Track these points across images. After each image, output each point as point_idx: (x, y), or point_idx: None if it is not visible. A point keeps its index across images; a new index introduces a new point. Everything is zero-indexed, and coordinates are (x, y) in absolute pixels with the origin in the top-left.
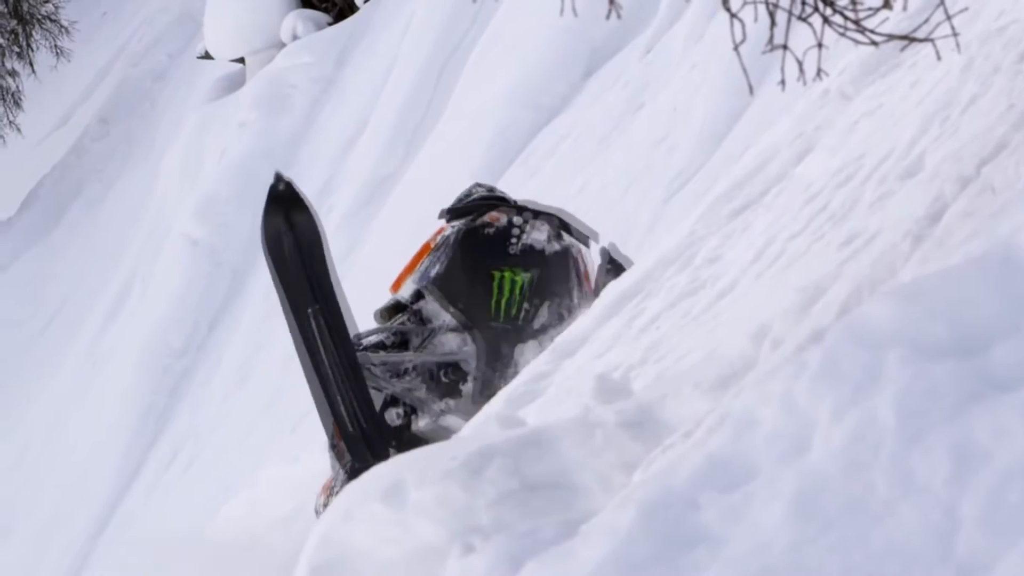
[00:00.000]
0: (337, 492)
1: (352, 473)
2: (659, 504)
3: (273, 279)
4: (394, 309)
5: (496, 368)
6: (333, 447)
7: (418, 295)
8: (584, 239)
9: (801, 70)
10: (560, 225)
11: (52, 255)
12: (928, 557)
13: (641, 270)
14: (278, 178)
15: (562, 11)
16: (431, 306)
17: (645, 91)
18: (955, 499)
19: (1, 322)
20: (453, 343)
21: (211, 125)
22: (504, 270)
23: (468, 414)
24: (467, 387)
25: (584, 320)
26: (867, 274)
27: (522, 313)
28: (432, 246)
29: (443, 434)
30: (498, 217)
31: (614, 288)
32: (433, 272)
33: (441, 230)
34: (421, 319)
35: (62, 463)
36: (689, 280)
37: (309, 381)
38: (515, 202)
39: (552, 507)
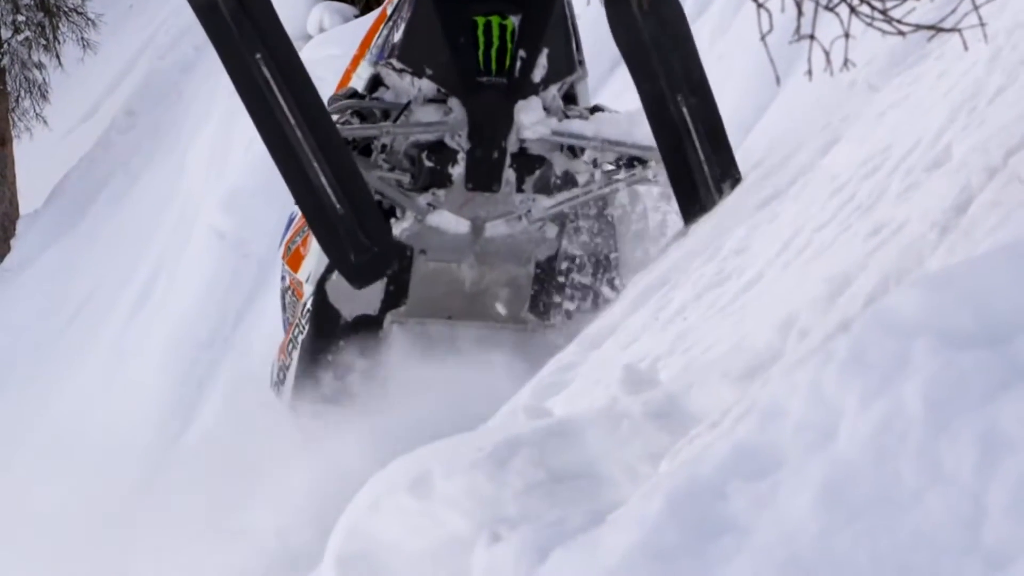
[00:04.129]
0: (301, 332)
1: (362, 275)
2: (686, 493)
3: (203, 25)
4: (348, 100)
5: (494, 137)
6: (283, 294)
7: (376, 81)
8: None
9: (828, 60)
10: None
11: (79, 247)
12: (955, 546)
13: (668, 261)
14: None
15: (588, 2)
16: (396, 88)
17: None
18: (982, 488)
19: (28, 314)
20: (432, 116)
21: (238, 117)
22: (489, 15)
23: (461, 207)
24: (457, 170)
25: (611, 311)
26: (894, 264)
27: (517, 62)
28: (387, 12)
29: (432, 237)
30: None
31: (640, 279)
32: (395, 39)
33: None
34: (386, 107)
35: (88, 455)
36: (716, 271)
37: (271, 151)
38: None
39: (579, 497)
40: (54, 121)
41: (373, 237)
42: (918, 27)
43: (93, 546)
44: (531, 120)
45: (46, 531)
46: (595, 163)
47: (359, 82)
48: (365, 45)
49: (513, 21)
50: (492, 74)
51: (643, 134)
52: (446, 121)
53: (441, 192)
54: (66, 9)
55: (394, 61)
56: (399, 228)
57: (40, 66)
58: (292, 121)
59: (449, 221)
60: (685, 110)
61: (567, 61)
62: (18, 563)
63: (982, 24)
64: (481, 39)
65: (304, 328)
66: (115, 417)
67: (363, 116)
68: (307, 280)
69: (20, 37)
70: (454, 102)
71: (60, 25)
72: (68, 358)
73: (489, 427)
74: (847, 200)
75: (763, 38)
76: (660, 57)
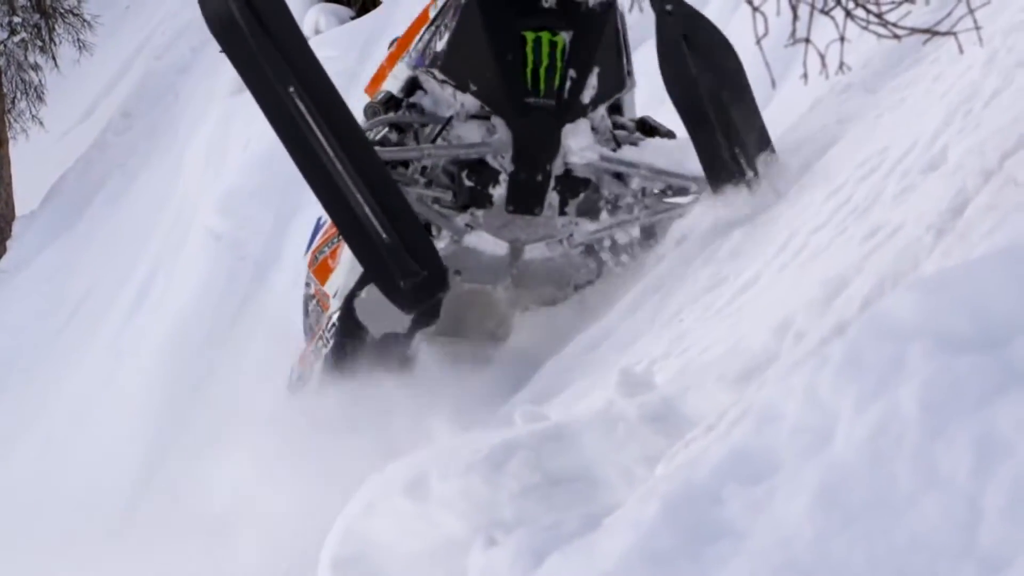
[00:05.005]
0: (325, 344)
1: (412, 299)
2: (682, 497)
3: (229, 56)
4: (385, 106)
5: (539, 160)
6: (307, 301)
7: (413, 84)
8: None
9: (824, 64)
10: None
11: (75, 249)
12: (952, 549)
13: (664, 264)
14: None
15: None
16: (434, 95)
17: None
18: (978, 491)
19: (24, 315)
20: (475, 134)
21: (234, 118)
22: (539, 30)
23: (500, 228)
24: (498, 191)
25: (608, 314)
26: (890, 267)
27: (567, 83)
28: (431, 15)
29: (468, 258)
30: None
31: (637, 282)
32: (437, 46)
33: None
34: (423, 115)
35: (84, 456)
36: (712, 273)
37: (312, 185)
38: None
39: (575, 500)
40: (50, 122)
41: (422, 261)
42: (913, 30)
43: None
44: (579, 145)
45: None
46: (643, 191)
47: (395, 83)
48: (403, 45)
49: (564, 38)
50: (540, 95)
51: (694, 164)
52: (490, 142)
53: (480, 212)
54: (62, 11)
55: (436, 71)
56: (436, 247)
57: (36, 68)
58: (331, 153)
59: (487, 242)
60: (743, 162)
61: (617, 78)
62: (13, 559)
63: (977, 27)
64: (530, 56)
65: (328, 342)
66: (112, 418)
67: (402, 129)
68: (335, 295)
69: (16, 39)
70: (498, 121)
71: (56, 27)
72: (65, 359)
73: (485, 430)
74: (843, 203)
75: (758, 42)
76: (718, 114)
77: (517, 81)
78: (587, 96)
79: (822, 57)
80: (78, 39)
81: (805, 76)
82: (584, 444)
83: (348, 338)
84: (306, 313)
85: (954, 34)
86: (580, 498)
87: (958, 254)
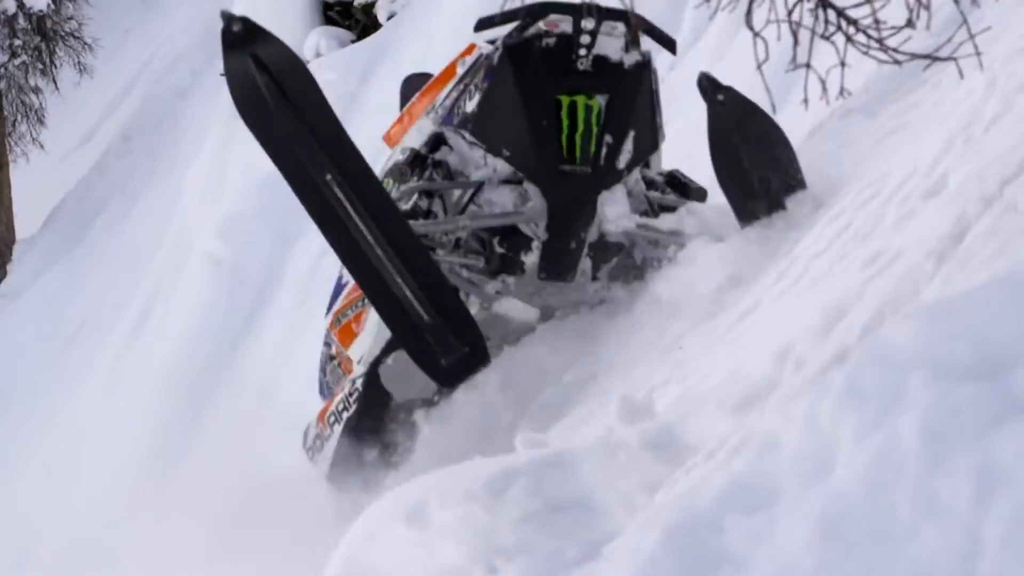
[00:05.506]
0: (347, 408)
1: (454, 376)
2: (682, 526)
3: (266, 149)
4: (411, 166)
5: (574, 228)
6: (327, 360)
7: (438, 140)
8: (670, 44)
9: (824, 89)
10: (639, 27)
11: (75, 272)
12: None
13: (665, 291)
14: (228, 19)
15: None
16: (461, 153)
17: (669, 108)
18: (979, 521)
19: (25, 339)
20: (507, 200)
21: (234, 142)
22: (574, 94)
23: (531, 295)
24: (530, 258)
25: (608, 341)
26: (890, 294)
27: (604, 149)
28: (458, 70)
29: (498, 325)
30: (556, 23)
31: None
32: (468, 107)
33: (469, 49)
34: (449, 173)
35: (84, 480)
36: (712, 299)
37: (354, 274)
38: (574, 4)
39: (575, 528)
40: (51, 145)
41: (463, 338)
42: (914, 56)
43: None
44: (616, 213)
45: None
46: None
47: (419, 137)
48: (426, 99)
49: (600, 101)
50: (577, 162)
51: (731, 228)
52: (524, 211)
53: (511, 279)
54: (63, 33)
55: (467, 134)
56: None
57: (37, 90)
58: (371, 239)
59: (517, 310)
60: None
61: (652, 138)
62: None
63: (978, 53)
64: (565, 121)
65: (351, 407)
66: (112, 442)
67: (431, 192)
68: (359, 360)
69: (17, 61)
70: (532, 188)
71: (57, 49)
72: (65, 383)
73: (485, 457)
74: (843, 228)
75: (759, 67)
76: (772, 206)
77: (553, 147)
78: (623, 161)
79: (823, 82)
80: (79, 62)
81: (806, 101)
82: (584, 471)
83: (372, 405)
84: (324, 372)
85: (955, 60)
86: (580, 525)
87: (959, 281)
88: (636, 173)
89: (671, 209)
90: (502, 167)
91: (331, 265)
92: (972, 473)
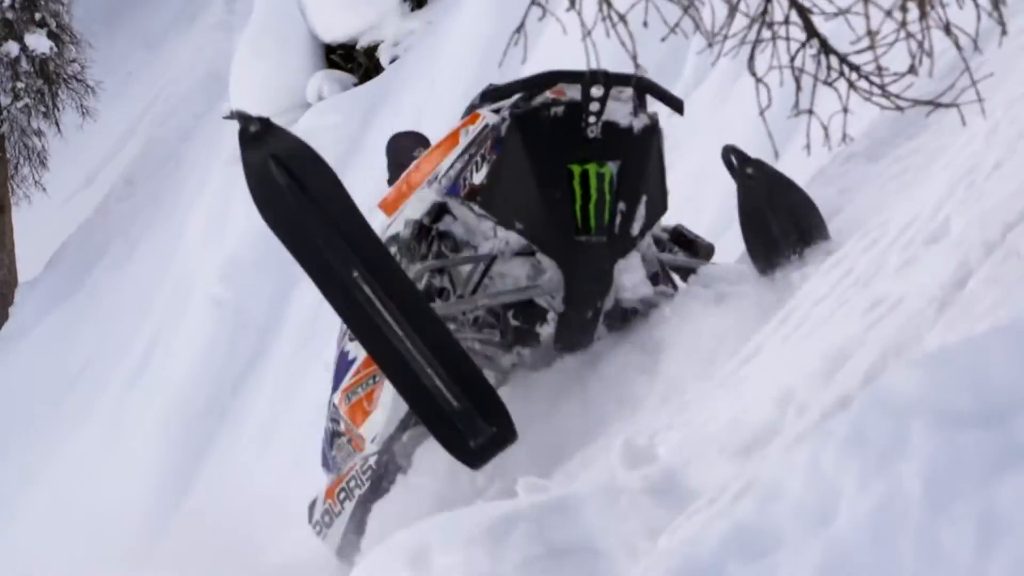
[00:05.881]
0: (359, 486)
1: (483, 457)
2: (685, 573)
3: (290, 249)
4: (418, 238)
5: (591, 300)
6: (335, 436)
7: (441, 210)
8: (678, 105)
9: (827, 135)
10: (646, 90)
11: (77, 315)
12: None
13: (666, 335)
14: (244, 119)
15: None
16: (466, 222)
17: (671, 152)
18: (981, 569)
19: (26, 382)
20: (520, 272)
21: (236, 185)
22: (585, 162)
23: (547, 366)
24: (546, 329)
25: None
26: (892, 340)
27: (618, 217)
28: (461, 140)
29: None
30: (563, 91)
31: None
32: (475, 178)
33: (473, 118)
34: (456, 244)
35: (86, 524)
36: (714, 344)
37: (382, 366)
38: (581, 71)
39: (577, 573)
40: (53, 188)
41: (492, 419)
42: (916, 102)
43: None
44: (632, 281)
45: None
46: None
47: (420, 207)
48: (426, 167)
49: (611, 168)
50: (591, 232)
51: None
52: (539, 284)
53: (527, 351)
54: (66, 76)
55: (475, 207)
56: None
57: (39, 133)
58: (400, 332)
59: (535, 379)
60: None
61: (662, 201)
62: None
63: (980, 99)
64: (578, 191)
65: (364, 485)
66: (112, 486)
67: (442, 268)
68: (372, 439)
69: (20, 104)
70: (547, 260)
71: (60, 92)
72: (66, 426)
73: (487, 502)
74: (845, 274)
75: (762, 113)
76: (793, 254)
77: (567, 219)
78: (636, 227)
79: (825, 128)
80: (81, 105)
81: (808, 147)
82: (586, 516)
83: (386, 482)
84: (330, 446)
85: (957, 106)
86: (582, 571)
87: (961, 328)
88: (648, 237)
89: (686, 270)
90: (514, 239)
91: (332, 311)
92: (975, 521)
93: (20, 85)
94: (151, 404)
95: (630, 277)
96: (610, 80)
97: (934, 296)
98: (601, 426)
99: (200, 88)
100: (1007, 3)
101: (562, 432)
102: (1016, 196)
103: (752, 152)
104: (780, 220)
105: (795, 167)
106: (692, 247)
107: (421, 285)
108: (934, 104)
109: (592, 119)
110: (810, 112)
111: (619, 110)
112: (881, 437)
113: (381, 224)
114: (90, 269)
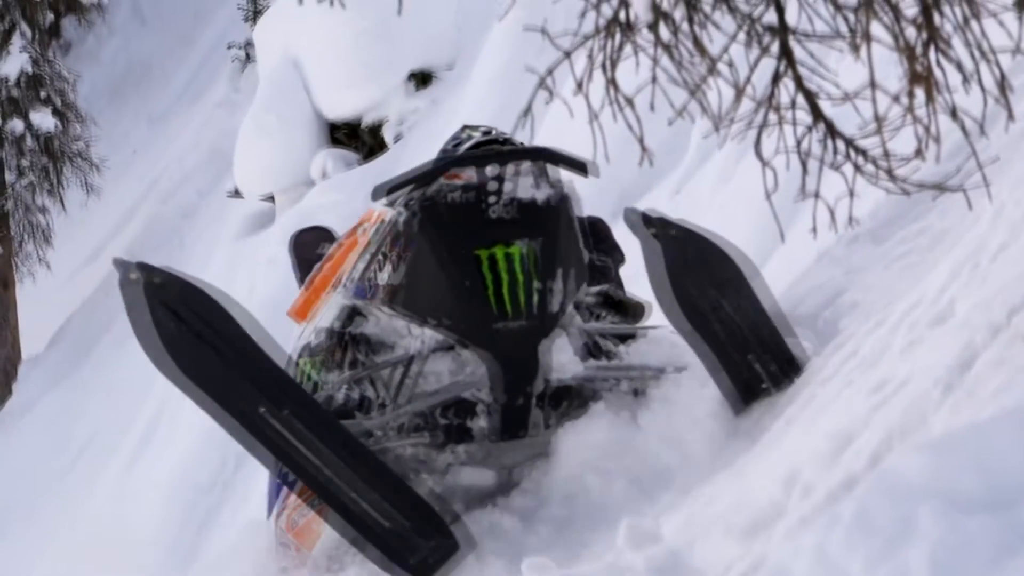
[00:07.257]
0: None
1: (426, 570)
2: None
3: (189, 395)
4: (332, 344)
5: (518, 386)
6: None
7: (352, 313)
8: (581, 167)
9: (833, 219)
10: (547, 159)
11: (80, 392)
12: None
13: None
14: (124, 267)
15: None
16: (379, 322)
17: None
18: None
19: (29, 458)
20: (442, 368)
21: (240, 262)
22: (492, 246)
23: (484, 458)
24: (477, 423)
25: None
26: (897, 422)
27: (534, 296)
28: (360, 240)
29: (461, 495)
30: (458, 175)
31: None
32: (380, 278)
33: (369, 216)
34: (370, 347)
35: None
36: (720, 424)
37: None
38: (474, 155)
39: None
40: (57, 264)
41: (429, 533)
42: (922, 187)
43: None
44: (559, 361)
45: None
46: (636, 392)
47: (329, 314)
48: (329, 273)
49: (520, 247)
50: (509, 316)
51: (683, 351)
52: (463, 381)
53: (461, 448)
54: (70, 154)
55: (386, 308)
56: (422, 490)
57: (44, 210)
58: (317, 461)
59: (472, 476)
60: (760, 369)
61: (581, 269)
62: None
63: (987, 184)
64: (488, 277)
65: None
66: (115, 560)
67: (360, 378)
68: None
69: (24, 181)
70: (467, 353)
71: (64, 170)
72: (69, 502)
73: None
74: (850, 355)
75: (768, 197)
76: (726, 331)
77: (481, 307)
78: (556, 304)
79: (831, 212)
80: (86, 182)
81: (814, 231)
82: None
83: None
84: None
85: (963, 191)
86: None
87: (966, 411)
88: (571, 309)
89: (625, 337)
90: (430, 336)
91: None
92: None
93: (25, 162)
94: (154, 479)
95: (556, 357)
96: (504, 157)
97: (939, 378)
98: (605, 505)
99: (204, 165)
100: (1014, 90)
101: (566, 512)
102: (1021, 279)
103: (756, 231)
104: (691, 278)
105: (799, 247)
106: (621, 308)
107: (340, 396)
108: (941, 189)
109: (492, 199)
110: (816, 196)
111: (520, 184)
112: (888, 521)
113: (295, 334)
114: (94, 345)
